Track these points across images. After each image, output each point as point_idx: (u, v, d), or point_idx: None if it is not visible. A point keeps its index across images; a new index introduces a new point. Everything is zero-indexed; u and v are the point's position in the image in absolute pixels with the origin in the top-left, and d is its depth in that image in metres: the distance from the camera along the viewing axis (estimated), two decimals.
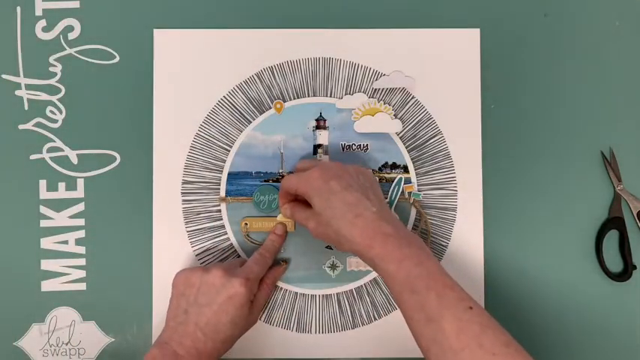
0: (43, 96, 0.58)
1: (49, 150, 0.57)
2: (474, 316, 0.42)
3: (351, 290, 0.57)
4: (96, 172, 0.58)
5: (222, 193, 0.58)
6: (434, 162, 0.58)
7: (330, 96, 0.58)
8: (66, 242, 0.57)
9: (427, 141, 0.58)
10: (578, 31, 0.59)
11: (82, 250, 0.57)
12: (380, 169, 0.58)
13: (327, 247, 0.57)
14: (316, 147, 0.58)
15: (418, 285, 0.44)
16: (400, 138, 0.58)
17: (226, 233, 0.57)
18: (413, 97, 0.58)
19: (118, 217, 0.57)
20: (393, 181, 0.57)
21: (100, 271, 0.57)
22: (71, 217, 0.57)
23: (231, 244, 0.57)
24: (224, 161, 0.58)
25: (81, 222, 0.57)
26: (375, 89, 0.58)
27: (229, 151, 0.58)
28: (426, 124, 0.58)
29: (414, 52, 0.58)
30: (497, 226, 0.57)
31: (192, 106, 0.58)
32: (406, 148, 0.58)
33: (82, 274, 0.57)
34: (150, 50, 0.58)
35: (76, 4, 0.58)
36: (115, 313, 0.57)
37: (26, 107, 0.58)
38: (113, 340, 0.57)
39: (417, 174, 0.58)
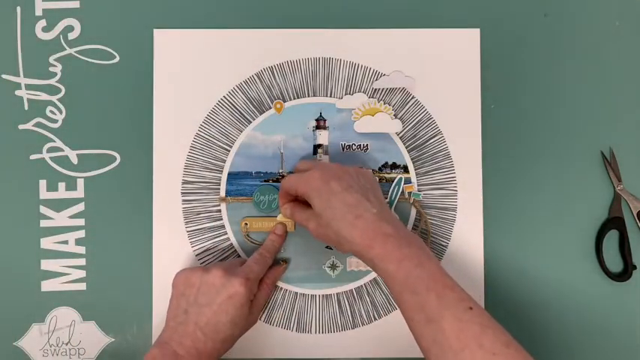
0: (43, 96, 0.58)
1: (49, 150, 0.57)
2: (474, 316, 0.42)
3: (351, 290, 0.57)
4: (96, 172, 0.58)
5: (222, 193, 0.58)
6: (434, 162, 0.58)
7: (330, 96, 0.58)
8: (66, 242, 0.57)
9: (427, 141, 0.58)
10: (578, 31, 0.59)
11: (82, 250, 0.57)
12: (380, 169, 0.58)
13: (327, 247, 0.57)
14: (316, 147, 0.58)
15: (418, 285, 0.44)
16: (400, 138, 0.58)
17: (226, 233, 0.57)
18: (413, 97, 0.58)
19: (118, 217, 0.57)
20: (393, 181, 0.57)
21: (100, 271, 0.57)
22: (71, 217, 0.57)
23: (231, 244, 0.57)
24: (224, 161, 0.58)
25: (81, 222, 0.57)
26: (375, 89, 0.58)
27: (229, 151, 0.58)
28: (426, 124, 0.58)
29: (414, 52, 0.58)
30: (497, 226, 0.57)
31: (192, 106, 0.58)
32: (406, 148, 0.58)
33: (82, 274, 0.57)
34: (150, 50, 0.58)
35: (76, 4, 0.58)
36: (115, 313, 0.57)
37: (26, 107, 0.58)
38: (113, 340, 0.57)
39: (417, 174, 0.58)
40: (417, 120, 0.58)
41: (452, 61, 0.58)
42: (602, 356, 0.57)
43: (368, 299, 0.57)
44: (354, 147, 0.58)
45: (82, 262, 0.57)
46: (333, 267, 0.57)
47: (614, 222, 0.57)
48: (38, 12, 0.58)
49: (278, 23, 0.58)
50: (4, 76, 0.58)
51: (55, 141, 0.58)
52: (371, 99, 0.58)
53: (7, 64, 0.58)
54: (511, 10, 0.59)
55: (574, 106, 0.59)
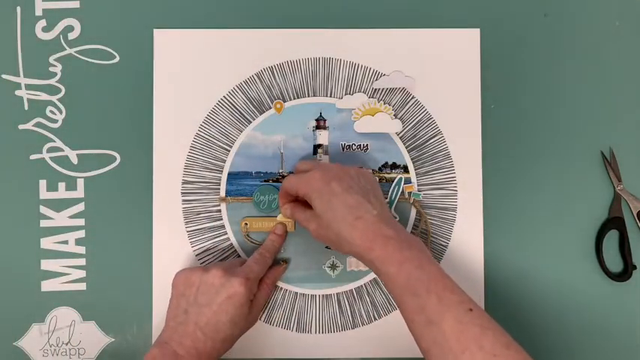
0: (43, 96, 0.58)
1: (49, 150, 0.57)
2: (474, 318, 0.42)
3: (351, 290, 0.57)
4: (96, 172, 0.58)
5: (222, 193, 0.58)
6: (434, 162, 0.58)
7: (330, 96, 0.58)
8: (66, 242, 0.57)
9: (427, 141, 0.58)
10: (578, 31, 0.59)
11: (82, 250, 0.57)
12: (380, 169, 0.58)
13: (327, 247, 0.57)
14: (316, 147, 0.58)
15: (419, 288, 0.44)
16: (400, 138, 0.58)
17: (226, 233, 0.57)
18: (413, 97, 0.58)
19: (118, 217, 0.57)
20: (393, 181, 0.57)
21: (100, 271, 0.57)
22: (71, 217, 0.57)
23: (231, 244, 0.57)
24: (224, 161, 0.58)
25: (81, 222, 0.57)
26: (375, 89, 0.58)
27: (229, 151, 0.58)
28: (426, 124, 0.58)
29: (414, 52, 0.58)
30: (497, 226, 0.57)
31: (192, 106, 0.58)
32: (406, 148, 0.58)
33: (82, 274, 0.57)
34: (150, 50, 0.58)
35: (76, 4, 0.58)
36: (115, 313, 0.57)
37: (26, 107, 0.58)
38: (113, 340, 0.57)
39: (417, 174, 0.58)
40: (417, 120, 0.58)
41: (452, 61, 0.58)
42: (602, 356, 0.57)
43: (368, 299, 0.57)
44: (354, 147, 0.58)
45: (82, 262, 0.57)
46: (333, 267, 0.57)
47: (614, 222, 0.57)
48: (38, 12, 0.58)
49: (278, 23, 0.58)
50: (4, 76, 0.58)
51: (55, 141, 0.58)
52: (371, 99, 0.58)
53: (7, 64, 0.58)
54: (511, 10, 0.59)
55: (574, 106, 0.59)
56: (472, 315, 0.43)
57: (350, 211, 0.47)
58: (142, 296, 0.56)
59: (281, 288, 0.57)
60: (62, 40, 0.58)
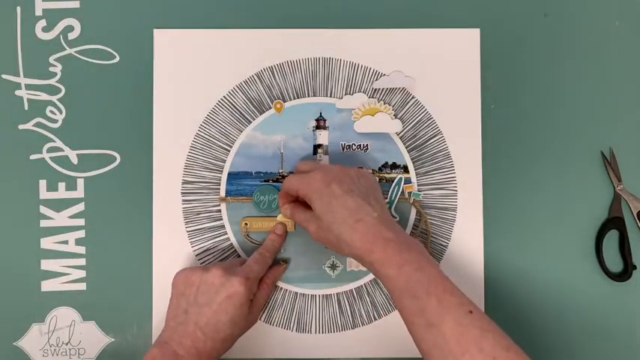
0: (43, 96, 0.58)
1: (49, 150, 0.57)
2: (474, 320, 0.43)
3: (351, 290, 0.57)
4: (96, 172, 0.58)
5: (222, 193, 0.58)
6: (434, 162, 0.58)
7: (330, 96, 0.58)
8: (66, 242, 0.57)
9: (427, 141, 0.58)
10: (578, 31, 0.59)
11: (82, 250, 0.57)
12: (380, 169, 0.58)
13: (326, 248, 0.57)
14: (316, 147, 0.58)
15: (418, 290, 0.44)
16: (400, 138, 0.58)
17: (226, 233, 0.57)
18: (413, 97, 0.58)
19: (118, 217, 0.57)
20: (393, 181, 0.57)
21: (100, 271, 0.57)
22: (71, 217, 0.57)
23: (231, 244, 0.57)
24: (224, 161, 0.58)
25: (81, 222, 0.57)
26: (375, 89, 0.58)
27: (229, 151, 0.58)
28: (426, 124, 0.58)
29: (414, 52, 0.58)
30: (497, 226, 0.57)
31: (192, 106, 0.58)
32: (406, 148, 0.58)
33: (82, 274, 0.57)
34: (150, 50, 0.58)
35: (76, 4, 0.58)
36: (115, 313, 0.57)
37: (26, 107, 0.58)
38: (113, 340, 0.57)
39: (417, 174, 0.58)
40: (417, 120, 0.58)
41: (452, 61, 0.58)
42: (602, 356, 0.57)
43: (368, 299, 0.57)
44: (354, 147, 0.58)
45: (82, 262, 0.57)
46: (333, 267, 0.57)
47: (614, 222, 0.57)
48: (38, 12, 0.58)
49: (278, 23, 0.58)
50: (4, 76, 0.58)
51: (55, 141, 0.58)
52: (371, 99, 0.58)
53: (7, 64, 0.58)
54: (511, 10, 0.59)
55: (574, 106, 0.59)
56: (472, 317, 0.43)
57: (350, 213, 0.47)
58: (142, 296, 0.56)
59: (281, 288, 0.57)
60: (62, 40, 0.58)
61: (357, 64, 0.58)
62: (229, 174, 0.58)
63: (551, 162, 0.58)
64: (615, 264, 0.58)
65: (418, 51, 0.58)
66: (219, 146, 0.58)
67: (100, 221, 0.57)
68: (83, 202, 0.57)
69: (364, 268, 0.57)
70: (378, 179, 0.57)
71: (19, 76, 0.58)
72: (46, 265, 0.57)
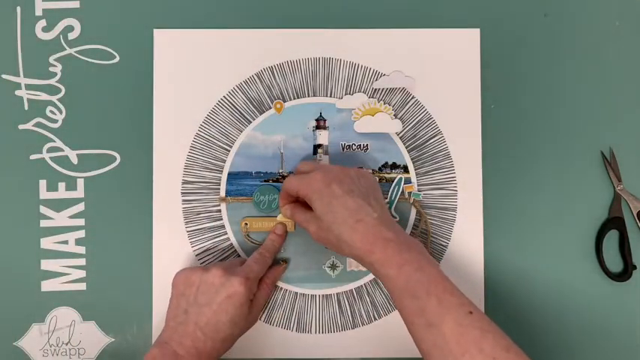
0: (43, 96, 0.58)
1: (49, 150, 0.57)
2: (474, 320, 0.43)
3: (351, 290, 0.57)
4: (96, 172, 0.58)
5: (222, 193, 0.58)
6: (434, 162, 0.58)
7: (330, 96, 0.58)
8: (66, 242, 0.57)
9: (427, 141, 0.58)
10: (578, 31, 0.59)
11: (82, 250, 0.57)
12: (380, 169, 0.58)
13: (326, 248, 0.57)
14: (316, 147, 0.58)
15: (418, 290, 0.44)
16: (400, 138, 0.58)
17: (226, 233, 0.57)
18: (413, 97, 0.58)
19: (118, 217, 0.57)
20: (393, 181, 0.57)
21: (100, 271, 0.57)
22: (71, 217, 0.57)
23: (231, 244, 0.57)
24: (224, 161, 0.58)
25: (81, 222, 0.57)
26: (375, 89, 0.58)
27: (229, 151, 0.58)
28: (426, 124, 0.58)
29: (414, 52, 0.58)
30: (497, 226, 0.57)
31: (192, 106, 0.58)
32: (406, 148, 0.58)
33: (82, 274, 0.57)
34: (150, 50, 0.58)
35: (76, 4, 0.58)
36: (115, 313, 0.57)
37: (26, 107, 0.58)
38: (113, 340, 0.57)
39: (417, 174, 0.58)
40: (417, 120, 0.58)
41: (452, 61, 0.58)
42: (602, 356, 0.57)
43: (368, 299, 0.57)
44: (354, 147, 0.58)
45: (82, 262, 0.57)
46: (333, 267, 0.57)
47: (614, 222, 0.57)
48: (38, 12, 0.58)
49: (278, 23, 0.58)
50: (4, 76, 0.58)
51: (55, 141, 0.58)
52: (371, 99, 0.58)
53: (7, 64, 0.58)
54: (511, 10, 0.59)
55: (574, 106, 0.59)
56: (472, 318, 0.43)
57: (350, 213, 0.47)
58: (142, 296, 0.56)
59: (281, 288, 0.57)
60: (62, 40, 0.58)
61: (357, 64, 0.58)
62: (229, 174, 0.58)
63: (551, 162, 0.58)
64: (615, 264, 0.58)
65: (418, 51, 0.58)
66: (219, 146, 0.58)
67: (100, 221, 0.57)
68: (83, 202, 0.57)
69: (364, 268, 0.57)
70: (378, 179, 0.57)
71: (19, 76, 0.58)
72: (46, 265, 0.57)
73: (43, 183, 0.57)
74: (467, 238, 0.57)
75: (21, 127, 0.58)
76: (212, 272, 0.50)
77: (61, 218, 0.57)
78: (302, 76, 0.58)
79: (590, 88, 0.59)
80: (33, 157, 0.57)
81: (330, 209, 0.48)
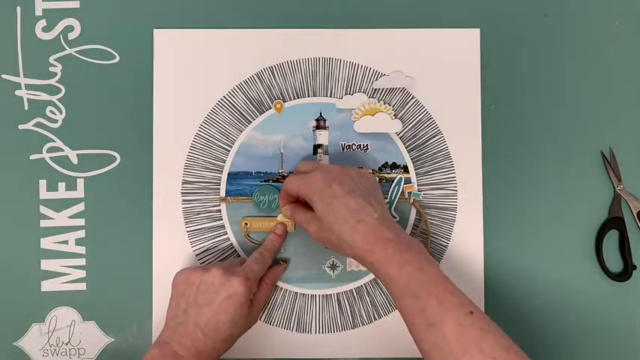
0: (43, 96, 0.58)
1: (49, 150, 0.57)
2: (474, 320, 0.43)
3: (351, 290, 0.57)
4: (96, 172, 0.58)
5: (222, 193, 0.58)
6: (434, 162, 0.58)
7: (330, 96, 0.58)
8: (66, 242, 0.57)
9: (427, 141, 0.58)
10: (578, 31, 0.59)
11: (82, 250, 0.57)
12: (380, 169, 0.58)
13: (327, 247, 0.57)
14: (316, 147, 0.58)
15: (419, 290, 0.44)
16: (400, 138, 0.58)
17: (226, 233, 0.57)
18: (413, 97, 0.58)
19: (118, 217, 0.57)
20: (393, 181, 0.57)
21: (100, 271, 0.57)
22: (71, 217, 0.57)
23: (231, 244, 0.57)
24: (224, 161, 0.58)
25: (81, 222, 0.57)
26: (375, 89, 0.58)
27: (229, 151, 0.58)
28: (426, 124, 0.58)
29: (414, 52, 0.58)
30: (497, 226, 0.57)
31: (192, 106, 0.58)
32: (406, 148, 0.58)
33: (82, 274, 0.57)
34: (150, 50, 0.58)
35: (76, 4, 0.58)
36: (115, 313, 0.57)
37: (26, 107, 0.58)
38: (113, 340, 0.57)
39: (417, 174, 0.58)
40: (417, 120, 0.58)
41: (452, 61, 0.58)
42: (602, 356, 0.57)
43: (368, 299, 0.57)
44: (354, 147, 0.58)
45: (82, 262, 0.57)
46: (333, 267, 0.57)
47: (614, 222, 0.57)
48: (38, 12, 0.58)
49: (278, 23, 0.58)
50: (4, 76, 0.58)
51: (55, 141, 0.58)
52: (371, 99, 0.58)
53: (7, 64, 0.58)
54: (511, 10, 0.59)
55: (574, 106, 0.59)
56: (473, 318, 0.43)
57: (352, 213, 0.47)
58: (142, 296, 0.56)
59: (281, 288, 0.57)
60: (62, 40, 0.58)
61: (357, 64, 0.58)
62: (229, 174, 0.58)
63: (551, 162, 0.58)
64: (615, 264, 0.58)
65: (418, 51, 0.58)
66: (219, 146, 0.58)
67: (100, 221, 0.57)
68: (83, 202, 0.57)
69: (364, 268, 0.57)
70: (378, 179, 0.57)
71: (19, 76, 0.58)
72: (46, 265, 0.57)
73: (43, 183, 0.57)
74: (467, 238, 0.57)
75: (21, 127, 0.58)
76: (212, 272, 0.50)
77: (61, 218, 0.57)
78: (302, 76, 0.58)
79: (590, 88, 0.59)
80: (33, 157, 0.57)
81: (331, 209, 0.48)
